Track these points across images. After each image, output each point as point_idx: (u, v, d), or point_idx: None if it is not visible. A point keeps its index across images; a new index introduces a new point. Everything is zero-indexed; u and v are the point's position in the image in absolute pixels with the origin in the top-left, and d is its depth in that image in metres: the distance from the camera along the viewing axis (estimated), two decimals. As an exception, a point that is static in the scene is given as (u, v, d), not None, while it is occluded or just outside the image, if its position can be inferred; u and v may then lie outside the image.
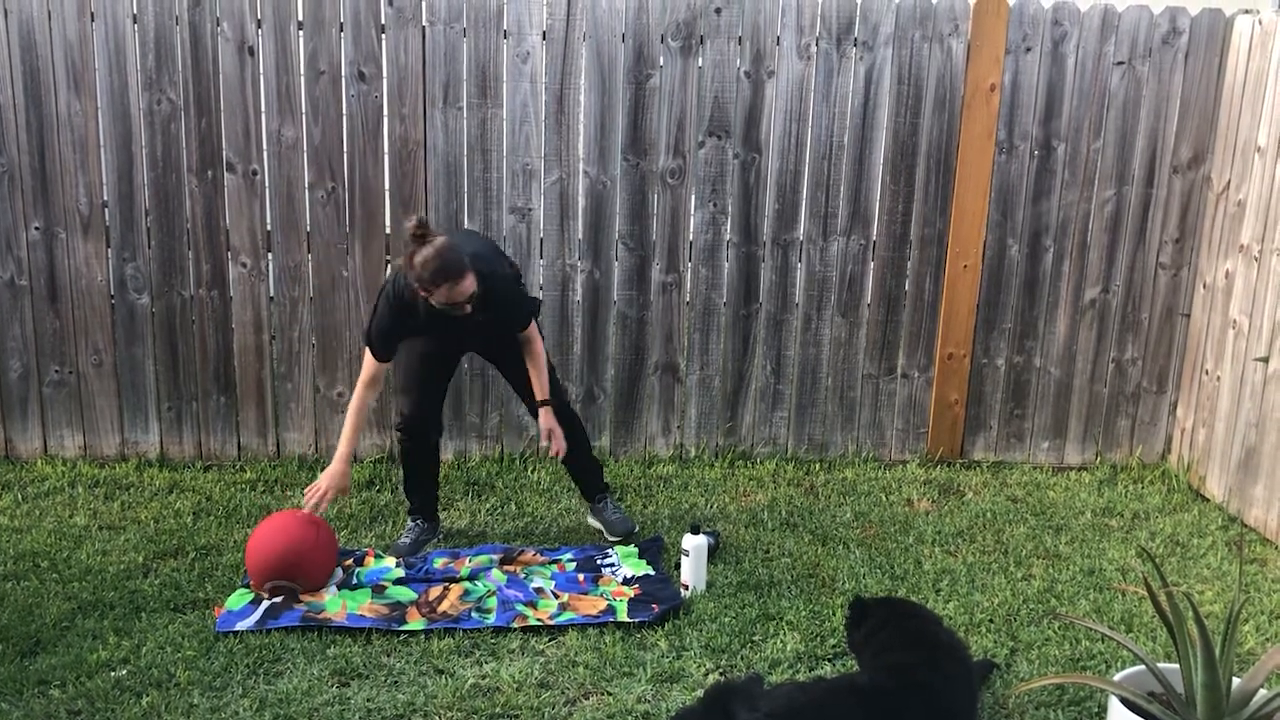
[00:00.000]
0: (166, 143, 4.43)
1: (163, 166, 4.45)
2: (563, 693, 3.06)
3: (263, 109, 4.45)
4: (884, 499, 4.57)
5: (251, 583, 3.55)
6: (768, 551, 4.02)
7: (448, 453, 4.79)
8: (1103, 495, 4.71)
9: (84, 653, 3.16)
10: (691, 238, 4.74)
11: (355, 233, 4.58)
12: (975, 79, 4.64)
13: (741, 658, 3.27)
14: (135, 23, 4.33)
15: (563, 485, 4.58)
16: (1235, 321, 4.57)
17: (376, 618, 3.42)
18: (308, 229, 4.57)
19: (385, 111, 4.50)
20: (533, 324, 3.87)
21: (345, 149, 4.51)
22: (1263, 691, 2.60)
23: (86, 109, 4.38)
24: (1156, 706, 2.60)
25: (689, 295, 4.78)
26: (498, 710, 2.96)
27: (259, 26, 4.38)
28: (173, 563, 3.79)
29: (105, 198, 4.48)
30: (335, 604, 3.48)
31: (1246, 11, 4.60)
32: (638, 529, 4.18)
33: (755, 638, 3.37)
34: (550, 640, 3.35)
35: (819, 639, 3.36)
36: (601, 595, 3.63)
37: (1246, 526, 4.40)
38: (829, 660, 3.25)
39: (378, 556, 3.86)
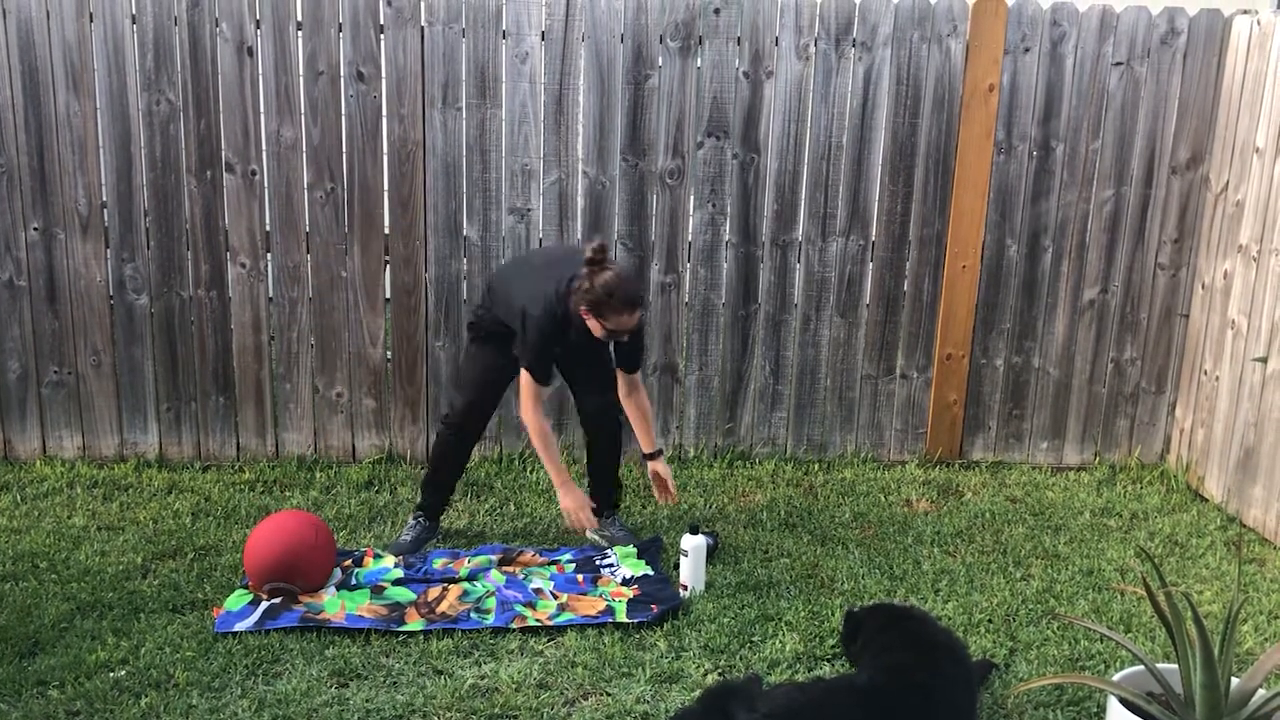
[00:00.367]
0: (165, 143, 4.43)
1: (162, 167, 4.45)
2: (562, 693, 3.06)
3: (262, 109, 4.45)
4: (883, 499, 4.57)
5: (250, 584, 3.55)
6: (767, 552, 4.02)
7: (447, 453, 4.79)
8: (1101, 495, 4.71)
9: (82, 653, 3.15)
10: (690, 238, 4.74)
11: (354, 233, 4.58)
12: (974, 79, 4.64)
13: (740, 658, 3.27)
14: (134, 23, 4.33)
15: (562, 486, 4.58)
16: (1234, 322, 4.57)
17: (375, 618, 3.42)
18: (307, 229, 4.57)
19: (384, 112, 4.50)
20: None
21: (344, 149, 4.51)
22: (1261, 691, 2.61)
23: (85, 109, 4.38)
24: (1155, 707, 2.60)
25: (688, 296, 4.78)
26: (497, 711, 2.96)
27: (258, 27, 4.38)
28: (171, 563, 3.79)
29: (104, 198, 4.48)
30: (334, 605, 3.48)
31: (1245, 12, 4.61)
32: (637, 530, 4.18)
33: (754, 638, 3.37)
34: (549, 641, 3.35)
35: (818, 639, 3.36)
36: (600, 596, 3.63)
37: (1245, 526, 4.41)
38: (828, 661, 3.25)
39: (377, 557, 3.85)
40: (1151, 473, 4.96)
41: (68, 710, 2.91)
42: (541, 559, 3.90)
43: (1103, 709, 3.00)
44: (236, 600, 3.48)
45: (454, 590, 3.61)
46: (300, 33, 4.40)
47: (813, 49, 4.59)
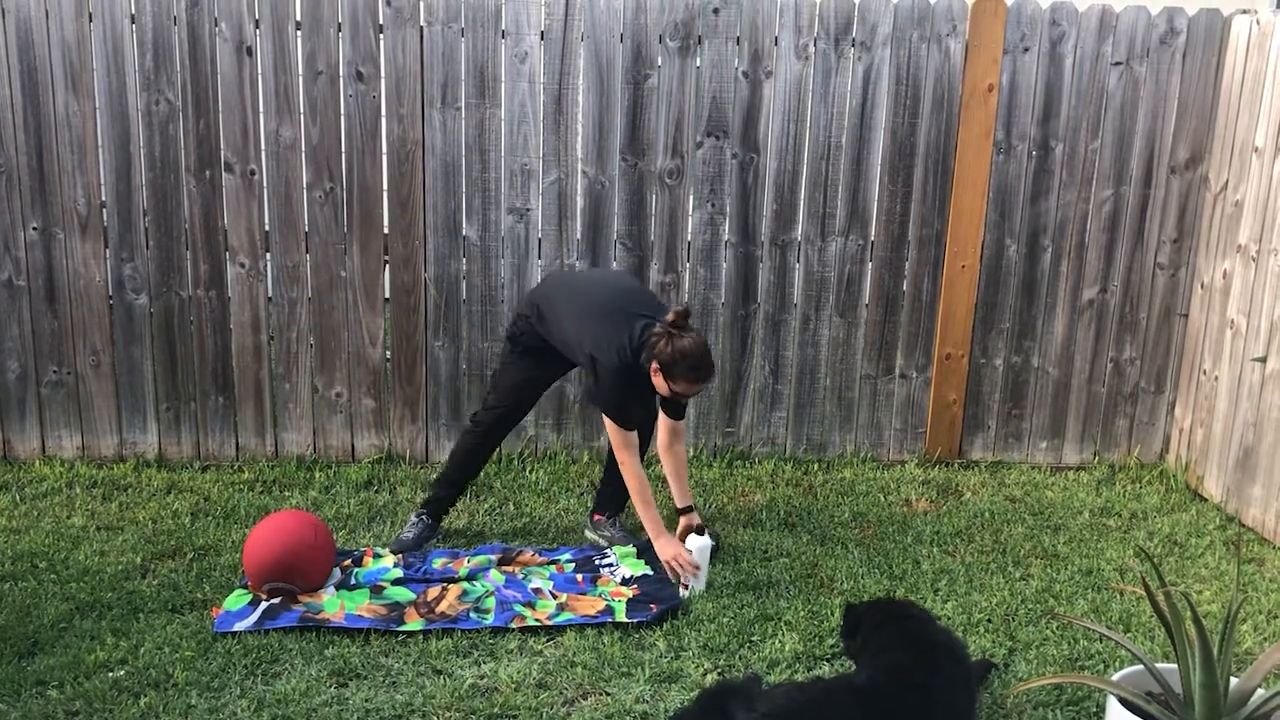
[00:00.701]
0: (164, 143, 4.43)
1: (161, 167, 4.45)
2: (561, 693, 3.06)
3: (261, 109, 4.45)
4: (882, 499, 4.57)
5: (249, 583, 3.55)
6: (766, 552, 4.02)
7: (446, 453, 4.78)
8: (1101, 495, 4.71)
9: (82, 653, 3.15)
10: (690, 238, 4.74)
11: (353, 233, 4.58)
12: (973, 79, 4.64)
13: (740, 658, 3.27)
14: (133, 23, 4.33)
15: (561, 486, 4.58)
16: (1233, 321, 4.57)
17: (375, 618, 3.41)
18: (306, 229, 4.57)
19: (383, 111, 4.50)
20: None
21: (343, 149, 4.51)
22: (1260, 691, 2.61)
23: (84, 109, 4.37)
24: (1155, 706, 2.60)
25: (687, 295, 4.78)
26: (496, 710, 2.96)
27: (257, 27, 4.37)
28: (171, 563, 3.78)
29: (103, 198, 4.48)
30: (333, 604, 3.48)
31: (1244, 11, 4.61)
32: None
33: (753, 638, 3.37)
34: (548, 640, 3.35)
35: (817, 639, 3.36)
36: (600, 595, 3.63)
37: (1244, 526, 4.41)
38: (827, 660, 3.25)
39: (376, 556, 3.86)
40: (1151, 472, 4.96)
41: (67, 710, 2.91)
42: (541, 559, 3.90)
43: (1102, 709, 3.00)
44: (236, 600, 3.48)
45: (453, 590, 3.61)
46: (299, 32, 4.40)
47: (812, 49, 4.59)
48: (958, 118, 4.68)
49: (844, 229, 4.77)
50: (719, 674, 3.17)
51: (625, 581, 3.74)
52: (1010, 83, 4.66)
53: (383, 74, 4.46)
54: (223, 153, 4.46)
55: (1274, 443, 4.26)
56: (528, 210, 4.62)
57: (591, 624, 3.43)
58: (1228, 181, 4.62)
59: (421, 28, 4.43)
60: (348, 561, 3.80)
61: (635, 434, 3.77)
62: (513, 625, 3.40)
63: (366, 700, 2.99)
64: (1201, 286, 4.83)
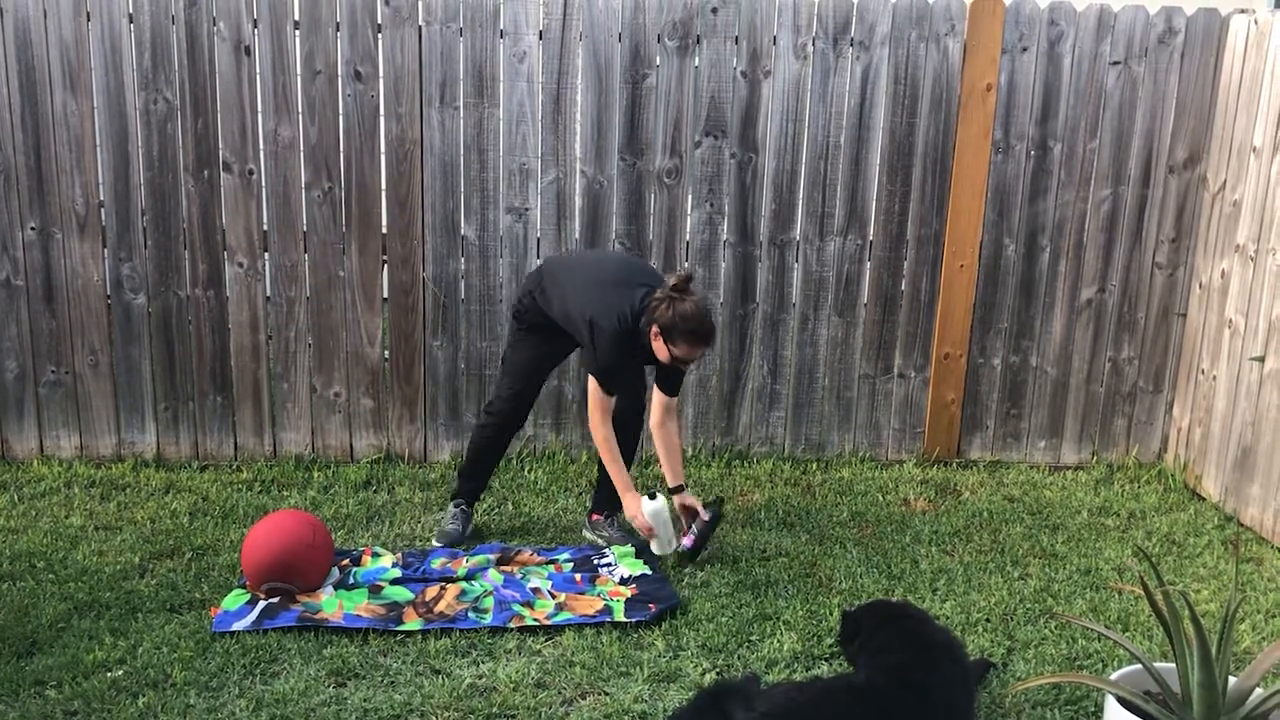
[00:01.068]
0: (163, 142, 4.43)
1: (159, 166, 4.44)
2: (560, 693, 3.06)
3: (259, 108, 4.45)
4: (881, 498, 4.57)
5: (248, 583, 3.55)
6: (765, 551, 4.02)
7: (445, 453, 4.79)
8: (1099, 494, 4.72)
9: (80, 653, 3.15)
10: (688, 237, 4.74)
11: (352, 232, 4.58)
12: (971, 79, 4.64)
13: (738, 657, 3.27)
14: (131, 22, 4.32)
15: (559, 485, 4.58)
16: (1231, 321, 4.57)
17: (373, 618, 3.41)
18: (304, 229, 4.57)
19: (382, 111, 4.50)
20: None
21: (342, 149, 4.51)
22: (1259, 690, 2.61)
23: (82, 108, 4.37)
24: (1153, 705, 2.60)
25: (686, 295, 4.78)
26: (494, 710, 2.96)
27: (255, 26, 4.37)
28: (169, 563, 3.78)
29: (101, 197, 4.47)
30: (332, 604, 3.48)
31: (1242, 11, 4.61)
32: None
33: (752, 637, 3.37)
34: (547, 640, 3.35)
35: (816, 639, 3.36)
36: (598, 595, 3.63)
37: (1242, 525, 4.41)
38: (826, 660, 3.25)
39: (374, 556, 3.85)
40: (1149, 472, 4.96)
41: (65, 710, 2.90)
42: (539, 558, 3.90)
43: (1100, 708, 3.00)
44: (234, 600, 3.48)
45: (452, 590, 3.61)
46: (298, 32, 4.40)
47: (810, 48, 4.59)
48: (956, 117, 4.69)
49: (842, 229, 4.77)
50: (717, 674, 3.17)
51: (624, 581, 3.74)
52: (1008, 82, 4.66)
53: (381, 73, 4.46)
54: (221, 152, 4.46)
55: (1272, 442, 4.26)
56: (526, 210, 4.62)
57: (590, 623, 3.43)
58: (1226, 181, 4.63)
59: (420, 27, 4.43)
60: (346, 561, 3.80)
61: (613, 399, 3.80)
62: (511, 625, 3.40)
63: (365, 700, 2.98)
64: (1200, 286, 4.83)
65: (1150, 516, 4.50)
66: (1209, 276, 4.75)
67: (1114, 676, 2.80)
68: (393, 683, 3.08)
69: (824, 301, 4.84)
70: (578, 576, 3.77)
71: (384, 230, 4.60)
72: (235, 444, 4.73)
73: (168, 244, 4.52)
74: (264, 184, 4.52)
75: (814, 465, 4.90)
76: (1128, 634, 3.49)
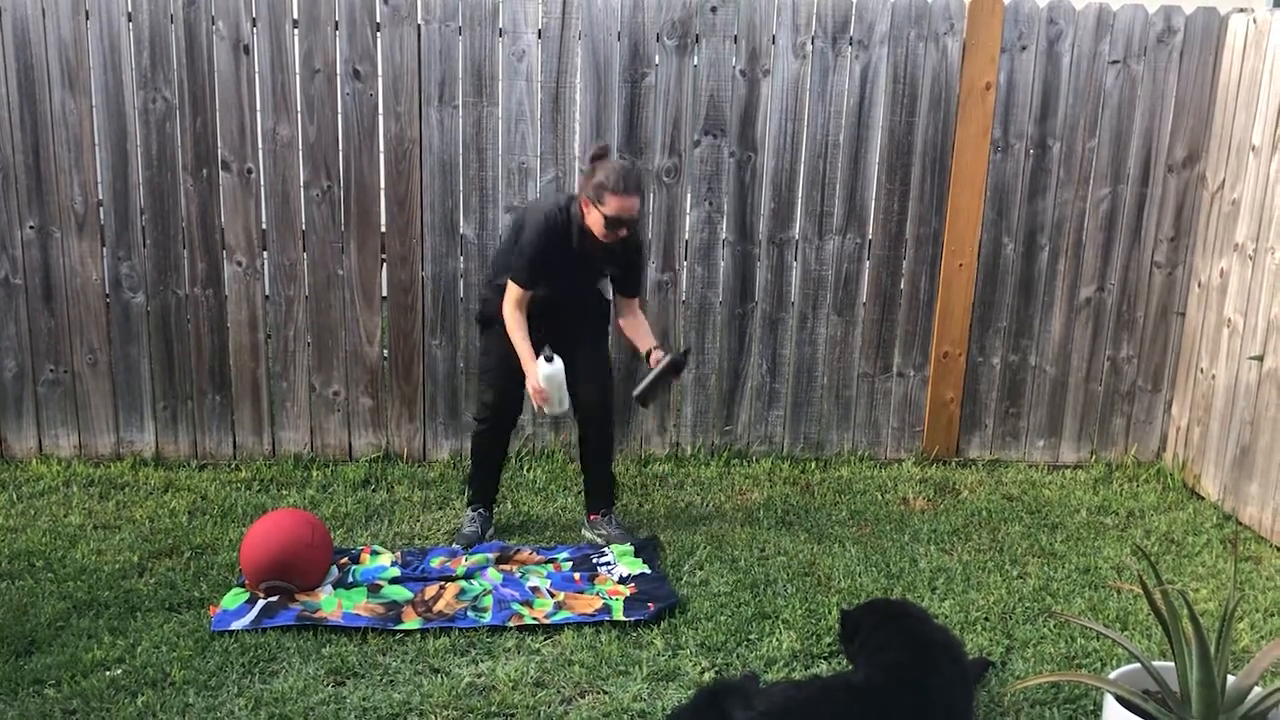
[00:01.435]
0: (161, 141, 4.42)
1: (158, 165, 4.44)
2: (559, 691, 3.06)
3: (258, 107, 4.44)
4: (880, 497, 4.57)
5: (247, 582, 3.55)
6: (764, 550, 4.02)
7: (444, 452, 4.79)
8: (1098, 493, 4.72)
9: (79, 652, 3.15)
10: (687, 236, 4.74)
11: (351, 231, 4.57)
12: (970, 78, 4.64)
13: (737, 656, 3.27)
14: (130, 21, 4.32)
15: (559, 484, 4.58)
16: (1230, 320, 4.58)
17: (372, 617, 3.41)
18: (303, 227, 4.57)
19: (380, 110, 4.50)
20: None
21: (341, 147, 4.50)
22: (1257, 689, 2.61)
23: (81, 107, 4.37)
24: (1152, 704, 2.60)
25: (685, 294, 4.78)
26: (494, 709, 2.96)
27: (254, 25, 4.37)
28: (168, 562, 3.78)
29: (100, 196, 4.47)
30: (331, 603, 3.48)
31: (1241, 10, 4.61)
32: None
33: (751, 636, 3.38)
34: (546, 639, 3.35)
35: (815, 637, 3.36)
36: (597, 594, 3.63)
37: (1241, 524, 4.41)
38: (825, 659, 3.25)
39: (373, 554, 3.85)
40: (1148, 470, 4.97)
41: (64, 709, 2.90)
42: (539, 557, 3.90)
43: (1099, 707, 3.00)
44: (233, 599, 3.48)
45: (451, 589, 3.61)
46: (296, 30, 4.40)
47: (810, 47, 4.59)
48: (955, 116, 4.68)
49: (841, 227, 4.77)
50: (716, 672, 3.17)
51: (623, 580, 3.74)
52: (1008, 81, 4.66)
53: (380, 72, 4.46)
54: (220, 151, 4.46)
55: (1271, 441, 4.26)
56: (525, 209, 4.61)
57: (589, 622, 3.43)
58: (1225, 180, 4.63)
59: (419, 26, 4.43)
60: (345, 560, 3.80)
61: (529, 294, 3.76)
62: (510, 624, 3.40)
63: (364, 699, 2.98)
64: (1199, 285, 4.83)
65: (1149, 515, 4.50)
66: (1208, 275, 4.75)
67: (1113, 675, 2.81)
68: (392, 682, 3.08)
69: (823, 300, 4.84)
70: (577, 575, 3.77)
71: (383, 229, 4.60)
72: (234, 443, 4.73)
73: (166, 243, 4.51)
74: (263, 183, 4.52)
75: (813, 464, 4.90)
76: (1126, 633, 3.49)
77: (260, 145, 4.48)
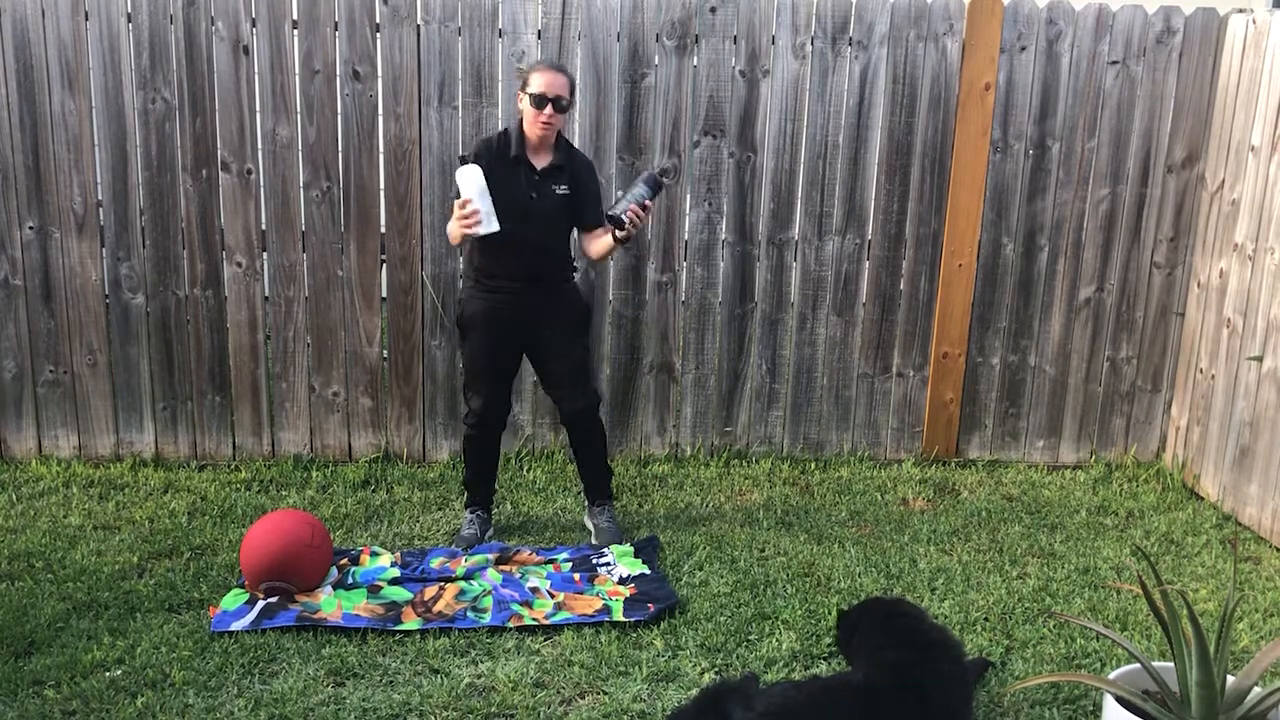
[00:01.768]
0: (161, 142, 4.42)
1: (157, 166, 4.44)
2: (558, 692, 3.06)
3: (257, 108, 4.44)
4: (879, 498, 4.57)
5: (246, 583, 3.55)
6: (763, 550, 4.02)
7: (443, 453, 4.79)
8: (1097, 494, 4.72)
9: (79, 653, 3.15)
10: (686, 236, 4.74)
11: (350, 232, 4.57)
12: (970, 78, 4.65)
13: (737, 656, 3.27)
14: (129, 21, 4.32)
15: (558, 485, 4.58)
16: (1229, 320, 4.58)
17: (372, 617, 3.41)
18: (303, 228, 4.57)
19: (380, 110, 4.50)
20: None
21: (340, 148, 4.50)
22: (1257, 689, 2.61)
23: (80, 108, 4.37)
24: (1151, 705, 2.60)
25: (684, 294, 4.78)
26: (493, 710, 2.96)
27: (254, 25, 4.37)
28: (168, 563, 3.78)
29: (99, 197, 4.47)
30: (330, 604, 3.48)
31: (1241, 11, 4.61)
32: (627, 535, 4.18)
33: (751, 637, 3.38)
34: (546, 640, 3.35)
35: (814, 638, 3.36)
36: (597, 594, 3.63)
37: (1241, 525, 4.41)
38: (824, 659, 3.25)
39: (373, 555, 3.85)
40: (1147, 471, 4.97)
41: (64, 710, 2.90)
42: (538, 558, 3.90)
43: (1099, 707, 3.01)
44: (233, 599, 3.48)
45: (450, 589, 3.61)
46: (296, 31, 4.40)
47: (809, 48, 4.59)
48: (954, 117, 4.69)
49: (841, 228, 4.77)
50: (716, 673, 3.17)
51: (622, 581, 3.74)
52: (1007, 82, 4.67)
53: (379, 73, 4.46)
54: (219, 152, 4.46)
55: (1270, 441, 4.27)
56: (525, 209, 4.61)
57: (589, 623, 3.43)
58: (1224, 180, 4.63)
59: (418, 26, 4.43)
60: (345, 560, 3.80)
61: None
62: (510, 624, 3.40)
63: (364, 699, 2.98)
64: (1198, 285, 4.83)
65: (1148, 516, 4.50)
66: (1207, 276, 4.76)
67: (1112, 675, 2.81)
68: (391, 682, 3.08)
69: (822, 301, 4.84)
70: (576, 576, 3.77)
71: (383, 230, 4.60)
72: (234, 443, 4.73)
73: (166, 243, 4.51)
74: (262, 184, 4.52)
75: (812, 464, 4.90)
76: (1126, 633, 3.49)
77: (260, 146, 4.48)
